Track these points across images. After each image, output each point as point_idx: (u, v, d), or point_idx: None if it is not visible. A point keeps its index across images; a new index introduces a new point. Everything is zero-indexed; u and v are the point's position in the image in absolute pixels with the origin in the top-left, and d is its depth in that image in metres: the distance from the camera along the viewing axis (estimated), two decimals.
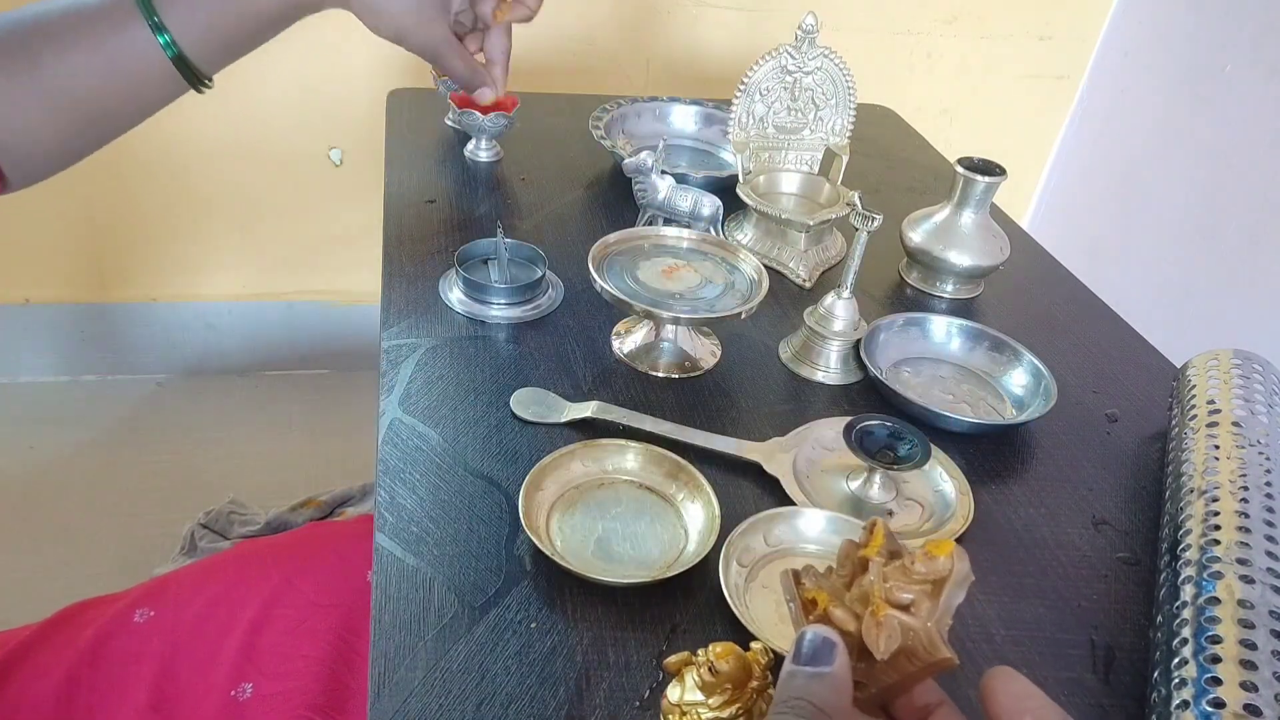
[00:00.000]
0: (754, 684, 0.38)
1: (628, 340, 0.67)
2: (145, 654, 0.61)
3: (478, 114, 0.88)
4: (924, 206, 0.80)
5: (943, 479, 0.57)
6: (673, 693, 0.38)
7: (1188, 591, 0.45)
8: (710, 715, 0.37)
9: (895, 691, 0.31)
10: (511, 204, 0.85)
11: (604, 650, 0.45)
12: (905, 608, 0.30)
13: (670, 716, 0.38)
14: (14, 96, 0.51)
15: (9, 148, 0.52)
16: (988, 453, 0.61)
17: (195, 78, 0.54)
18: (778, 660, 0.40)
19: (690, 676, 0.38)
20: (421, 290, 0.71)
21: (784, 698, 0.28)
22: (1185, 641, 0.42)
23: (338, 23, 1.36)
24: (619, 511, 0.52)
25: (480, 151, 0.91)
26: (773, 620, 0.47)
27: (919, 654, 0.30)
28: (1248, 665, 0.39)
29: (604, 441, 0.55)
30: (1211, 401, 0.58)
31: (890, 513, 0.55)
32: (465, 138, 0.92)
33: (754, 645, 0.39)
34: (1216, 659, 0.40)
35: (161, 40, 0.51)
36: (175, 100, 0.56)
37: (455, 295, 0.70)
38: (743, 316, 0.62)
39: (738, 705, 0.37)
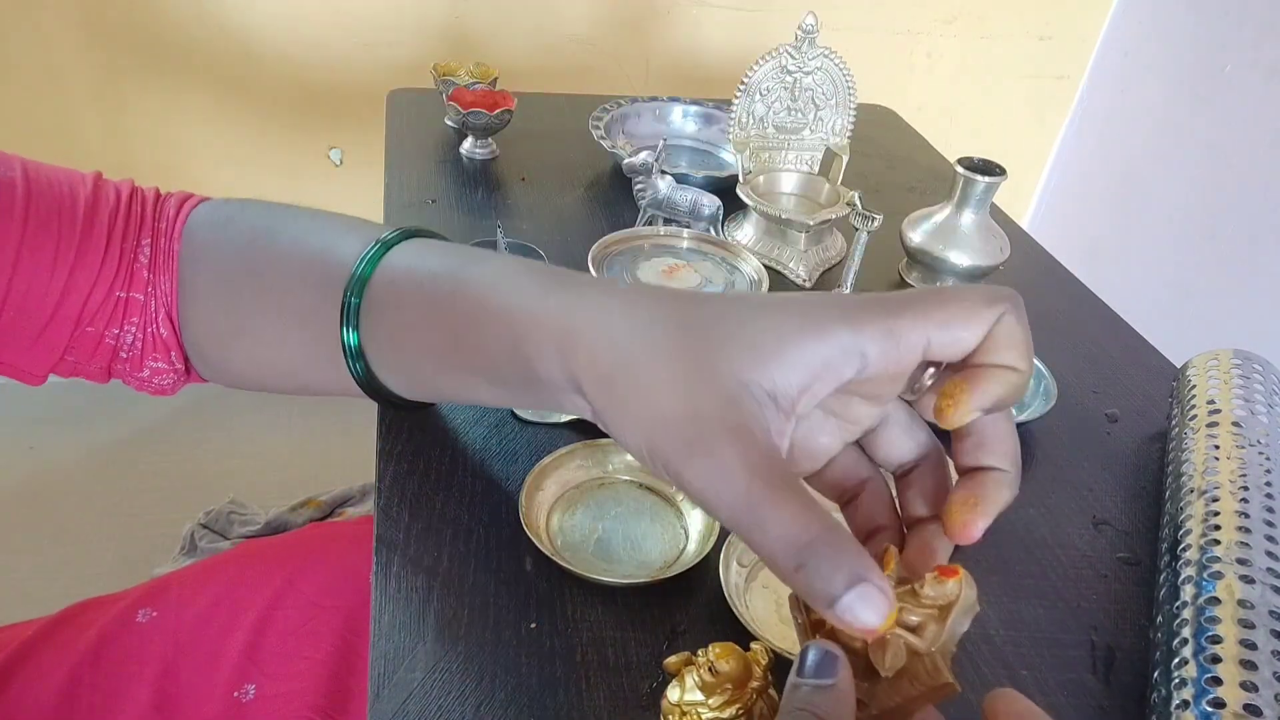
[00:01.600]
0: (754, 684, 0.38)
1: None
2: (147, 654, 0.61)
3: (482, 111, 0.88)
4: (924, 206, 0.80)
5: None
6: (673, 693, 0.38)
7: (1188, 591, 0.45)
8: (710, 715, 0.37)
9: (896, 716, 0.31)
10: (511, 204, 0.85)
11: (604, 651, 0.45)
12: (912, 630, 0.31)
13: (670, 717, 0.38)
14: (221, 335, 0.49)
15: (211, 362, 0.52)
16: None
17: (391, 401, 0.49)
18: (778, 660, 0.40)
19: (690, 677, 0.38)
20: None
21: (788, 708, 0.29)
22: (1185, 641, 0.42)
23: (337, 22, 1.36)
24: (619, 511, 0.52)
25: (476, 150, 0.91)
26: (773, 620, 0.47)
27: (922, 678, 0.30)
28: (1248, 665, 0.39)
29: (604, 441, 0.55)
30: (1211, 401, 0.58)
31: None
32: (464, 137, 0.92)
33: (754, 645, 0.39)
34: (1216, 659, 0.40)
35: (356, 372, 0.46)
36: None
37: None
38: None
39: (738, 705, 0.37)
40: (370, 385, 0.46)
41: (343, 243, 0.46)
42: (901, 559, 0.33)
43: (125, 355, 0.50)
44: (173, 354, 0.51)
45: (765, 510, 0.28)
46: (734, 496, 0.28)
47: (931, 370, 0.33)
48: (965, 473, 0.33)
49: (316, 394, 0.52)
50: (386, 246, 0.45)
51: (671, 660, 0.39)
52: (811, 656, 0.30)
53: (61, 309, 0.47)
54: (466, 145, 0.92)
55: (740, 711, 0.37)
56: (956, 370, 0.32)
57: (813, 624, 0.33)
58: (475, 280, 0.41)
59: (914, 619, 0.31)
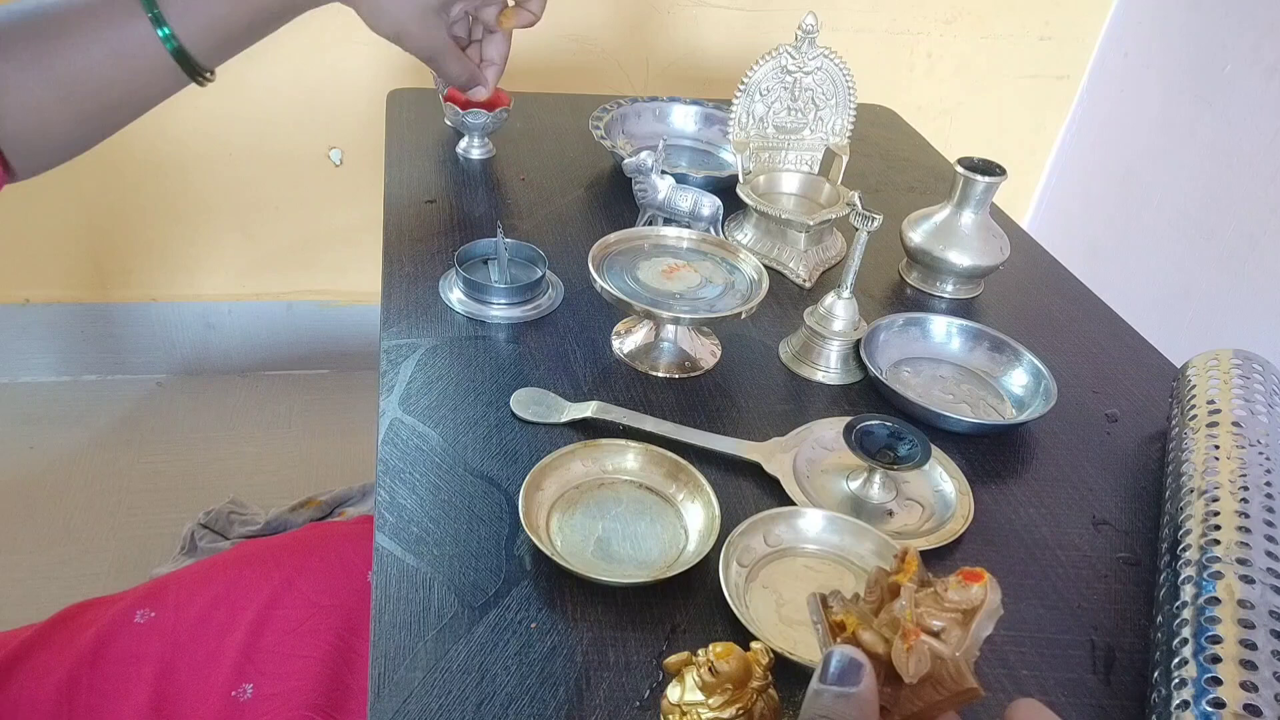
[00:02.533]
0: (755, 684, 0.38)
1: (628, 340, 0.67)
2: (145, 655, 0.61)
3: (481, 111, 0.88)
4: (924, 206, 0.80)
5: (943, 479, 0.57)
6: (673, 693, 0.38)
7: (1188, 591, 0.45)
8: (710, 715, 0.37)
9: None
10: (511, 204, 0.85)
11: (604, 650, 0.45)
12: (935, 634, 0.31)
13: (670, 716, 0.38)
14: (21, 86, 0.51)
15: (16, 137, 0.53)
16: (988, 453, 0.61)
17: (195, 70, 0.54)
18: (779, 660, 0.40)
19: (690, 676, 0.38)
20: (421, 290, 0.71)
21: (809, 716, 0.28)
22: (1185, 641, 0.42)
23: (337, 23, 1.36)
24: (619, 511, 0.52)
25: (473, 149, 0.91)
26: (773, 620, 0.47)
27: (945, 683, 0.30)
28: (1248, 665, 0.39)
29: (604, 441, 0.55)
30: (1211, 401, 0.58)
31: (890, 513, 0.55)
32: (461, 136, 0.92)
33: (754, 645, 0.39)
34: (1216, 659, 0.40)
35: (162, 33, 0.52)
36: (177, 93, 0.56)
37: (455, 295, 0.70)
38: (743, 316, 0.62)
39: (738, 705, 0.37)
40: (179, 52, 0.52)
41: None
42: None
43: None
44: None
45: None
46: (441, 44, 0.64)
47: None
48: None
49: (126, 111, 0.55)
50: None
51: (672, 660, 0.39)
52: (835, 663, 0.29)
53: None
54: (463, 145, 0.92)
55: (740, 711, 0.37)
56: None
57: (833, 626, 0.33)
58: None
59: (937, 624, 0.31)
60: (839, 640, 0.32)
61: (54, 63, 0.51)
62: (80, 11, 0.51)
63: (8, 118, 0.51)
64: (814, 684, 0.29)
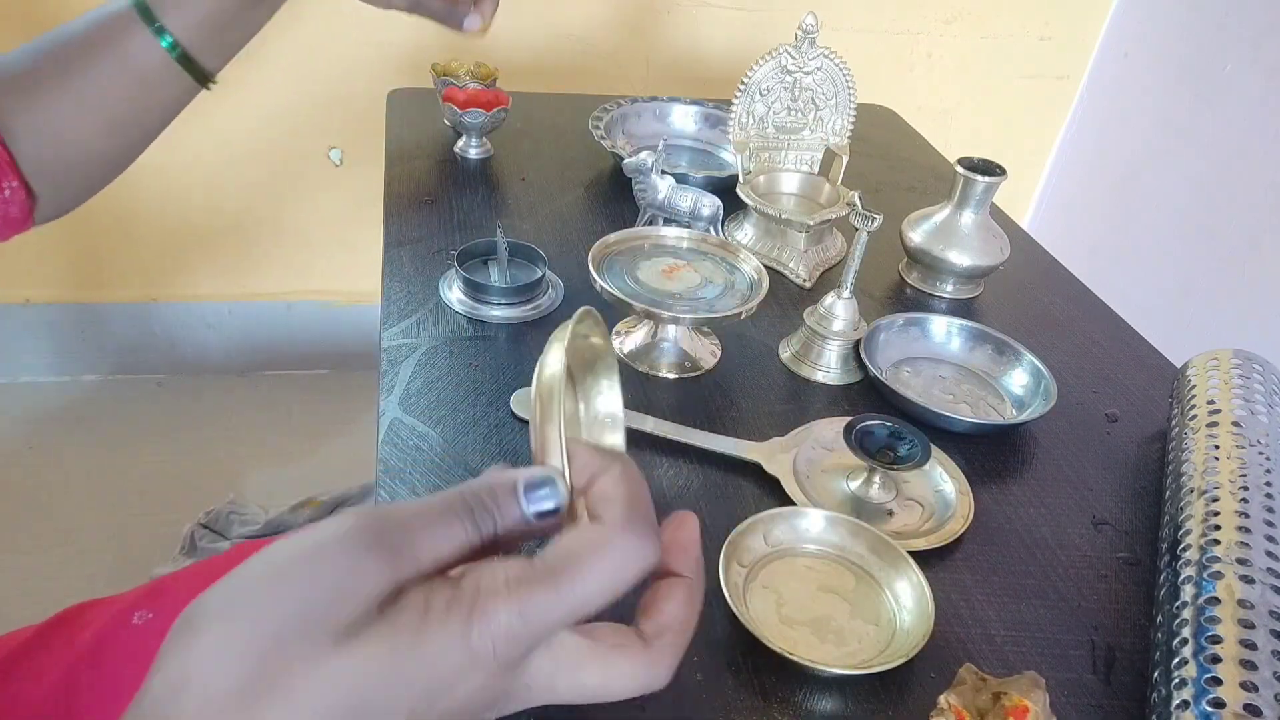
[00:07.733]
0: None
1: (628, 340, 0.67)
2: (144, 656, 0.61)
3: (479, 111, 0.88)
4: (924, 206, 0.80)
5: (943, 479, 0.57)
6: None
7: (1188, 591, 0.45)
8: None
9: None
10: (511, 204, 0.85)
11: None
12: None
13: None
14: (50, 109, 0.54)
15: (43, 163, 0.55)
16: (988, 453, 0.61)
17: (202, 76, 0.57)
18: (779, 660, 0.39)
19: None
20: (421, 290, 0.71)
21: None
22: (1185, 641, 0.42)
23: (337, 22, 1.36)
24: None
25: (470, 149, 0.91)
26: (773, 620, 0.47)
27: None
28: (1248, 665, 0.39)
29: None
30: (1211, 401, 0.58)
31: (890, 513, 0.55)
32: (460, 136, 0.92)
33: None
34: (1216, 659, 0.40)
35: (165, 43, 0.54)
36: (188, 104, 0.59)
37: (455, 295, 0.70)
38: (743, 316, 0.62)
39: None
40: (184, 58, 0.55)
41: None
42: None
43: None
44: (9, 177, 0.54)
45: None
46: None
47: None
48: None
49: (146, 126, 0.58)
50: None
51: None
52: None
53: None
54: (460, 144, 0.92)
55: None
56: None
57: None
58: None
59: None
60: None
61: (73, 82, 0.54)
62: (92, 34, 0.54)
63: (36, 143, 0.54)
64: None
